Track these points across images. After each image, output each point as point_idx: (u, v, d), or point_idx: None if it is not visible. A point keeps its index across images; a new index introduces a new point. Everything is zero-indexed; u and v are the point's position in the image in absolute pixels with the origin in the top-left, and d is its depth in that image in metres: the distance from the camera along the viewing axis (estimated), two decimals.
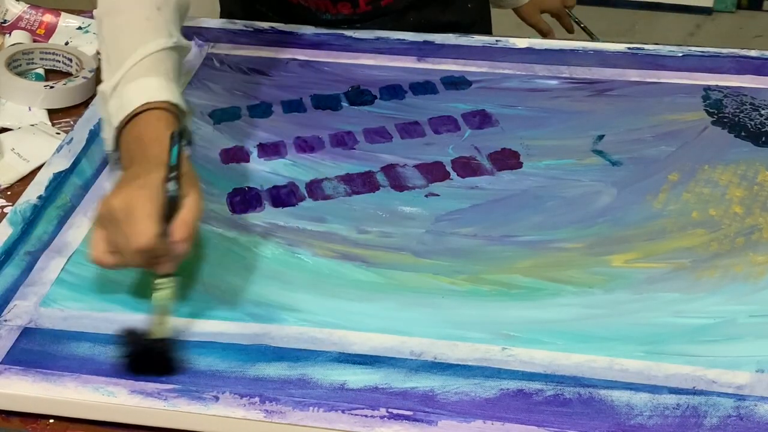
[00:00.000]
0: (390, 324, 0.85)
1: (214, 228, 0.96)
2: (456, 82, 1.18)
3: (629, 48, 1.24)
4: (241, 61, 1.23)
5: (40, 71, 1.22)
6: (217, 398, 0.78)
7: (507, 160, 1.05)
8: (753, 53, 1.22)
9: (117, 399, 0.78)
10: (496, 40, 1.25)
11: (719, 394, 0.79)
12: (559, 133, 1.10)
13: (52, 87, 1.15)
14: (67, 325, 0.85)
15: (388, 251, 0.93)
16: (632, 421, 0.77)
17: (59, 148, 1.05)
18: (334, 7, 1.26)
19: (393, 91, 1.17)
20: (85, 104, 1.15)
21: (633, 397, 0.78)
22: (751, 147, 1.07)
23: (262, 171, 1.04)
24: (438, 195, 1.01)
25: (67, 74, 1.21)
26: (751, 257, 0.92)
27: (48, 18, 1.29)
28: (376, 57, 1.23)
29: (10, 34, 1.27)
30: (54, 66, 1.23)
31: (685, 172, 1.03)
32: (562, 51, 1.24)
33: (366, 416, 0.77)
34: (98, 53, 1.24)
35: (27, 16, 1.29)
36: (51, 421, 0.80)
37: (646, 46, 1.24)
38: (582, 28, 1.57)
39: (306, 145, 1.08)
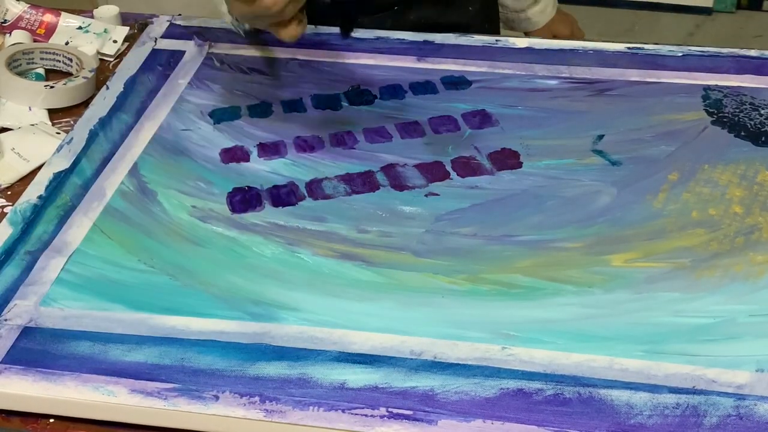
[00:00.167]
0: (390, 323, 0.85)
1: (214, 227, 0.96)
2: (456, 82, 1.18)
3: (629, 48, 1.24)
4: (241, 60, 1.23)
5: (41, 71, 1.22)
6: (216, 397, 0.78)
7: (507, 159, 1.06)
8: (753, 53, 1.22)
9: (117, 398, 0.78)
10: (496, 40, 1.25)
11: (719, 394, 0.79)
12: (559, 132, 1.10)
13: (52, 87, 1.15)
14: (67, 324, 0.86)
15: (388, 251, 0.94)
16: (632, 420, 0.77)
17: (59, 148, 1.05)
18: None
19: (393, 91, 1.17)
20: (86, 104, 1.15)
21: (633, 396, 0.79)
22: (751, 147, 1.07)
23: (262, 170, 1.04)
24: (438, 195, 1.01)
25: (68, 74, 1.21)
26: (750, 257, 0.92)
27: (48, 18, 1.29)
28: (376, 57, 1.23)
29: (10, 33, 1.27)
30: (54, 66, 1.23)
31: (685, 171, 1.03)
32: (561, 51, 1.24)
33: (366, 416, 0.77)
34: (98, 53, 1.25)
35: (27, 16, 1.29)
36: (51, 420, 0.80)
37: (645, 46, 1.24)
38: None
39: (306, 145, 1.08)
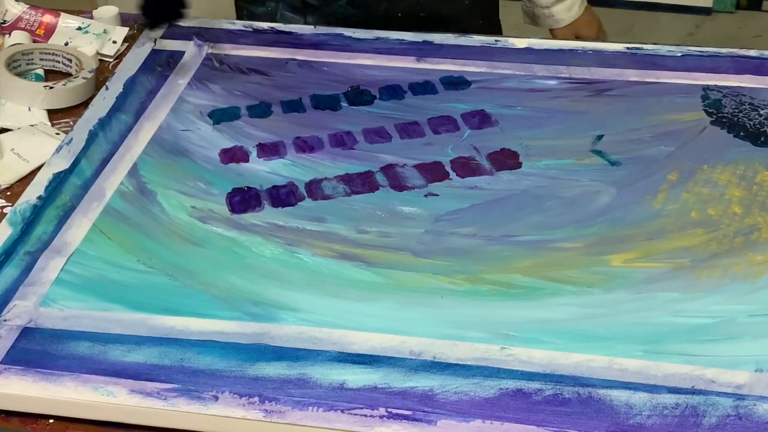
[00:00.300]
0: (389, 324, 0.85)
1: (214, 228, 0.96)
2: (455, 82, 1.18)
3: (628, 48, 1.24)
4: (240, 61, 1.23)
5: (40, 72, 1.22)
6: (216, 398, 0.78)
7: (506, 160, 1.06)
8: (752, 53, 1.22)
9: (116, 399, 0.78)
10: (495, 40, 1.25)
11: (718, 394, 0.79)
12: (558, 133, 1.10)
13: (51, 87, 1.15)
14: (67, 324, 0.86)
15: (388, 251, 0.94)
16: (631, 420, 0.77)
17: (59, 149, 1.05)
18: None
19: (392, 91, 1.17)
20: (85, 104, 1.15)
21: (632, 396, 0.79)
22: (750, 147, 1.07)
23: (262, 171, 1.04)
24: (437, 195, 1.01)
25: (67, 75, 1.21)
26: (750, 257, 0.92)
27: (47, 18, 1.29)
28: (376, 57, 1.23)
29: (9, 34, 1.27)
30: (54, 66, 1.23)
31: (684, 171, 1.03)
32: (561, 51, 1.24)
33: (365, 416, 0.77)
34: (98, 53, 1.25)
35: (26, 17, 1.29)
36: (51, 421, 0.80)
37: (645, 46, 1.24)
38: None
39: (305, 145, 1.08)
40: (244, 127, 1.11)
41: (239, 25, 1.29)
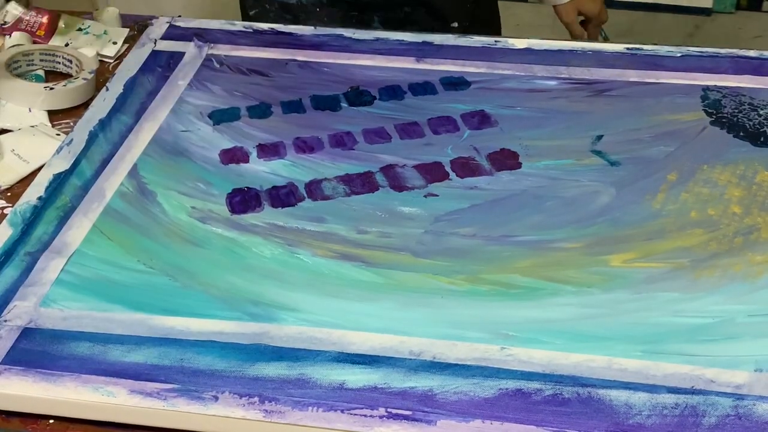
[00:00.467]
0: (389, 324, 0.85)
1: (214, 228, 0.96)
2: (455, 83, 1.18)
3: (628, 48, 1.24)
4: (240, 61, 1.23)
5: (40, 72, 1.22)
6: (216, 398, 0.78)
7: (506, 160, 1.06)
8: (751, 53, 1.22)
9: (116, 399, 0.78)
10: (495, 41, 1.26)
11: (718, 394, 0.79)
12: (558, 133, 1.10)
13: (52, 88, 1.15)
14: (67, 325, 0.86)
15: (388, 251, 0.94)
16: (631, 420, 0.77)
17: (59, 150, 1.05)
18: None
19: (392, 92, 1.17)
20: (85, 105, 1.15)
21: (632, 396, 0.79)
22: (750, 147, 1.07)
23: (262, 171, 1.04)
24: (437, 195, 1.01)
25: (67, 75, 1.21)
26: (749, 257, 0.92)
27: (48, 19, 1.29)
28: (375, 58, 1.23)
29: (10, 35, 1.27)
30: (54, 67, 1.23)
31: (684, 172, 1.03)
32: (560, 51, 1.24)
33: (365, 416, 0.77)
34: (98, 54, 1.25)
35: (27, 18, 1.29)
36: (51, 421, 0.80)
37: (644, 47, 1.24)
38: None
39: (305, 146, 1.08)
40: (244, 128, 1.11)
41: (239, 26, 1.29)
